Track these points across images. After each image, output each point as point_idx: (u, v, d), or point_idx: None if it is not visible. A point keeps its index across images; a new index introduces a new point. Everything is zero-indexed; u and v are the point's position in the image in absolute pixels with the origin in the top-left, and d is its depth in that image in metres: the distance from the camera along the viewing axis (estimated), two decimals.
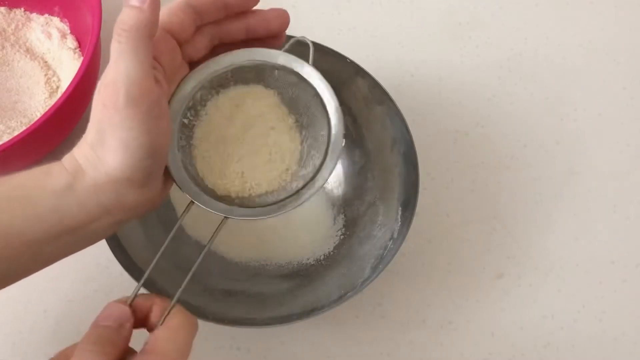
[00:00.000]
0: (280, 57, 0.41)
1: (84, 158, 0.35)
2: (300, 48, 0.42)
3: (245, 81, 0.41)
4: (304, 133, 0.41)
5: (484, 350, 0.51)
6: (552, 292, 0.54)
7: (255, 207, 0.40)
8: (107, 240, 0.46)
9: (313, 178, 0.40)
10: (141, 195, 0.36)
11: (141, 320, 0.37)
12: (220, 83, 0.40)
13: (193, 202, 0.38)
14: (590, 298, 0.53)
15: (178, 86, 0.39)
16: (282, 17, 0.40)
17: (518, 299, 0.53)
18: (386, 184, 0.53)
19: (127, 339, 0.35)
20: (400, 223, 0.50)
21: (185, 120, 0.39)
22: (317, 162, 0.40)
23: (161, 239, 0.51)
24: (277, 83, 0.41)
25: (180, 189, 0.38)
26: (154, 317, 0.36)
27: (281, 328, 0.52)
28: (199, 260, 0.38)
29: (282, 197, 0.40)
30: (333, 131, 0.40)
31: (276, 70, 0.41)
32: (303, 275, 0.52)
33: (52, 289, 0.52)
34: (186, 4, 0.37)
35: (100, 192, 0.35)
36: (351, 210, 0.54)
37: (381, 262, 0.48)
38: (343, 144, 0.40)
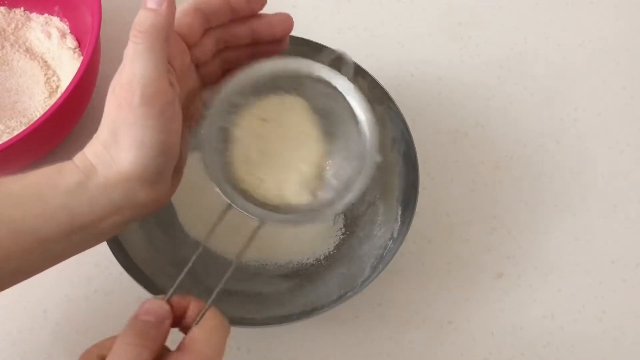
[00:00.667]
0: (321, 70, 0.41)
1: (96, 157, 0.36)
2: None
3: (284, 90, 0.42)
4: (337, 145, 0.42)
5: (484, 350, 0.51)
6: (552, 292, 0.54)
7: (289, 214, 0.40)
8: (107, 241, 0.46)
9: (344, 191, 0.40)
10: (151, 194, 0.37)
11: (177, 319, 0.37)
12: (259, 90, 0.41)
13: (231, 206, 0.39)
14: (590, 298, 0.53)
15: (216, 89, 0.40)
16: (286, 22, 0.41)
17: (518, 298, 0.53)
18: (386, 183, 0.53)
19: (166, 335, 0.36)
20: (400, 223, 0.50)
21: (224, 124, 0.40)
22: (348, 175, 0.41)
23: (161, 240, 0.52)
24: (314, 94, 0.42)
25: (221, 193, 0.39)
26: (189, 317, 0.37)
27: (281, 328, 0.52)
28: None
29: (314, 206, 0.41)
30: (366, 147, 0.40)
31: (315, 82, 0.41)
32: (303, 275, 0.52)
33: (52, 289, 0.52)
34: (195, 8, 0.38)
35: (112, 190, 0.36)
36: (351, 210, 0.54)
37: (381, 261, 0.48)
38: (379, 160, 0.40)
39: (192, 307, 0.37)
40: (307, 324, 0.51)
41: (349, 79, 0.41)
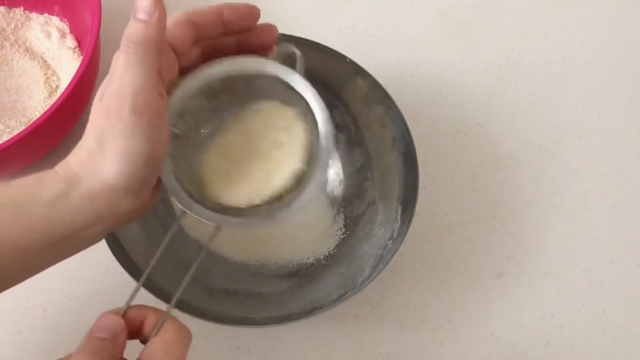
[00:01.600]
0: (269, 66, 0.41)
1: (81, 165, 0.36)
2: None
3: (235, 91, 0.41)
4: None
5: (483, 350, 0.51)
6: (552, 291, 0.54)
7: (246, 217, 0.40)
8: (107, 241, 0.46)
9: (298, 187, 0.40)
10: (133, 203, 0.37)
11: (134, 331, 0.37)
12: (210, 93, 0.40)
13: (186, 212, 0.39)
14: (590, 298, 0.53)
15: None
16: (272, 32, 0.41)
17: (518, 298, 0.53)
18: (386, 183, 0.53)
19: (122, 350, 0.36)
20: (400, 222, 0.50)
21: (176, 130, 0.39)
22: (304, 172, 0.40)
23: (161, 240, 0.52)
24: (266, 93, 0.41)
25: (176, 199, 0.39)
26: (147, 328, 0.37)
27: (281, 328, 0.52)
28: (194, 266, 0.39)
29: (273, 206, 0.40)
30: (323, 143, 0.40)
31: (264, 80, 0.41)
32: (303, 275, 0.52)
33: (52, 288, 0.52)
34: (187, 19, 0.38)
35: (95, 200, 0.36)
36: (351, 209, 0.54)
37: (381, 261, 0.48)
38: (332, 157, 0.40)
39: (150, 317, 0.37)
40: (307, 324, 0.51)
41: (301, 74, 0.41)
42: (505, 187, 0.57)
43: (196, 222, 0.52)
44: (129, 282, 0.45)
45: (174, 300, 0.37)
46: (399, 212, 0.50)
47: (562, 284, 0.54)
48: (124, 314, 0.36)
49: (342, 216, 0.54)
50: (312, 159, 0.40)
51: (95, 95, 0.36)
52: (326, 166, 0.40)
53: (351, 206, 0.54)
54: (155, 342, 0.35)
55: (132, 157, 0.35)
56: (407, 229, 0.48)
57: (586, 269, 0.54)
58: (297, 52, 0.42)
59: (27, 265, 0.37)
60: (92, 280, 0.53)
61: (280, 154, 0.41)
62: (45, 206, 0.35)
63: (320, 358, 0.51)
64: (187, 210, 0.39)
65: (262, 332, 0.51)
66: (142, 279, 0.38)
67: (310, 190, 0.40)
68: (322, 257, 0.53)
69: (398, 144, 0.52)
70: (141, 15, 0.35)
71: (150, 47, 0.34)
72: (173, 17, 0.38)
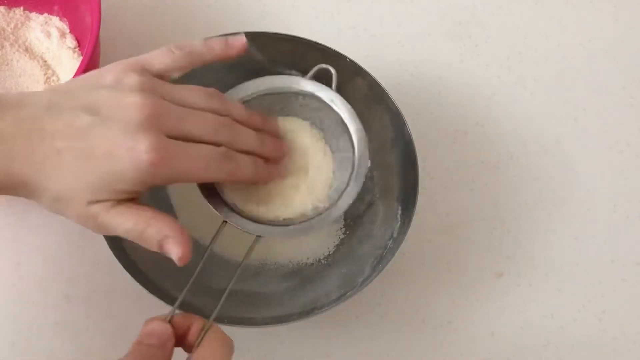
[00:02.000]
0: (304, 84, 0.42)
1: None
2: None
3: (271, 108, 0.43)
4: (334, 157, 0.43)
5: (483, 350, 0.51)
6: (552, 291, 0.54)
7: (283, 226, 0.42)
8: (107, 240, 0.46)
9: (338, 200, 0.43)
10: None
11: (179, 338, 0.37)
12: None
13: (225, 222, 0.40)
14: (590, 297, 0.53)
15: None
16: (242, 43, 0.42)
17: (518, 298, 0.53)
18: (386, 183, 0.53)
19: (170, 356, 0.36)
20: (400, 222, 0.50)
21: None
22: (342, 184, 0.41)
23: None
24: (303, 110, 0.42)
25: (215, 210, 0.40)
26: (191, 336, 0.37)
27: (281, 328, 0.51)
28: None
29: (310, 216, 0.42)
30: (357, 155, 0.41)
31: (300, 97, 0.42)
32: (303, 274, 0.52)
33: (52, 288, 0.52)
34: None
35: None
36: (351, 209, 0.54)
37: (381, 261, 0.48)
38: (368, 165, 0.42)
39: (195, 325, 0.37)
40: (307, 324, 0.51)
41: (333, 89, 0.42)
42: (505, 187, 0.57)
43: (196, 222, 0.52)
44: (129, 282, 0.45)
45: (217, 309, 0.38)
46: (399, 212, 0.50)
47: (562, 284, 0.54)
48: (170, 320, 0.37)
49: (342, 216, 0.54)
50: (345, 172, 0.43)
51: None
52: (362, 180, 0.42)
53: (351, 206, 0.54)
54: (201, 351, 0.36)
55: None
56: (407, 229, 0.48)
57: (586, 269, 0.54)
58: (332, 70, 0.43)
59: None
60: (92, 280, 0.53)
61: (305, 183, 0.43)
62: None
63: (321, 358, 0.51)
64: (226, 220, 0.40)
65: (262, 332, 0.51)
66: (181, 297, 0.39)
67: (349, 200, 0.42)
68: (322, 257, 0.53)
69: (398, 144, 0.52)
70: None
71: None
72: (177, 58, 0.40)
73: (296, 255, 0.53)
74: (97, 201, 0.35)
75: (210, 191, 0.40)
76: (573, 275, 0.54)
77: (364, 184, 0.54)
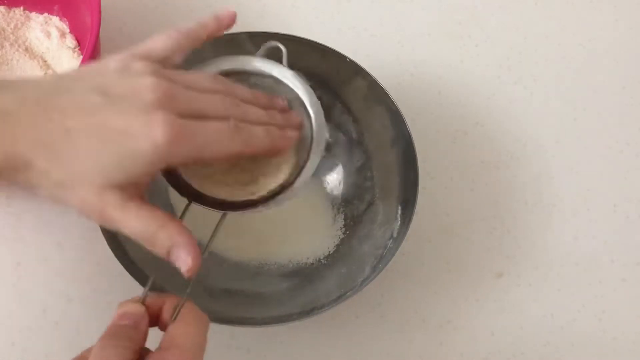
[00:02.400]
0: (255, 62, 0.41)
1: None
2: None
3: None
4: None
5: (483, 350, 0.51)
6: (552, 291, 0.54)
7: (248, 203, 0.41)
8: (107, 240, 0.46)
9: (299, 174, 0.41)
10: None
11: (154, 318, 0.37)
12: None
13: (190, 203, 0.39)
14: (590, 297, 0.53)
15: None
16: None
17: (518, 298, 0.53)
18: (386, 183, 0.53)
19: (145, 336, 0.36)
20: (400, 222, 0.50)
21: None
22: (302, 160, 0.41)
23: None
24: (255, 89, 0.42)
25: (179, 192, 0.39)
26: (166, 314, 0.37)
27: (281, 328, 0.51)
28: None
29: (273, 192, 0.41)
30: (314, 128, 0.41)
31: (253, 76, 0.41)
32: (303, 274, 0.52)
33: (52, 288, 0.52)
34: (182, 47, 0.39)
35: None
36: (351, 209, 0.54)
37: (381, 261, 0.48)
38: (327, 137, 0.41)
39: (168, 304, 0.37)
40: (307, 324, 0.51)
41: (284, 65, 0.42)
42: (505, 187, 0.57)
43: (196, 222, 0.52)
44: (129, 282, 0.45)
45: (190, 286, 0.37)
46: (399, 212, 0.50)
47: (562, 283, 0.54)
48: (143, 301, 0.37)
49: (342, 216, 0.54)
50: (305, 147, 0.41)
51: None
52: (321, 153, 0.41)
53: (351, 206, 0.54)
54: (175, 327, 0.36)
55: None
56: (407, 229, 0.48)
57: (586, 269, 0.54)
58: (282, 47, 0.43)
59: None
60: (92, 280, 0.53)
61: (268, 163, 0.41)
62: None
63: (320, 358, 0.51)
64: (193, 202, 0.39)
65: (262, 332, 0.51)
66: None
67: (307, 175, 0.41)
68: (322, 257, 0.53)
69: (398, 143, 0.52)
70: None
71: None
72: (173, 36, 0.39)
73: (296, 255, 0.53)
74: (109, 186, 0.34)
75: (175, 178, 0.40)
76: (573, 275, 0.54)
77: (364, 183, 0.54)
